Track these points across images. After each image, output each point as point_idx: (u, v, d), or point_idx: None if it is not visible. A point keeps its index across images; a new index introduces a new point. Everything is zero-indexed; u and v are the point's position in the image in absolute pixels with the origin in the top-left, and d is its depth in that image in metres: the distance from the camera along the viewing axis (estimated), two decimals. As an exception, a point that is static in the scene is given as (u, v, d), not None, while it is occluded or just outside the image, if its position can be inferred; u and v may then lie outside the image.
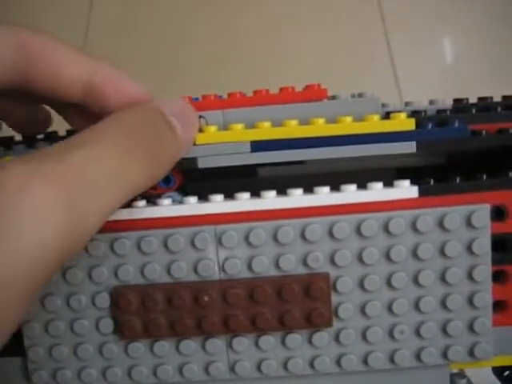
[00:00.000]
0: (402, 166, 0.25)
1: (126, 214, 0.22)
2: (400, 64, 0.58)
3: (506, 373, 0.26)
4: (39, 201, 0.15)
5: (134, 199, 0.22)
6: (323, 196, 0.22)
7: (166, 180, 0.23)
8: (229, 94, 0.23)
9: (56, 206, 0.16)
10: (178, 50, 0.65)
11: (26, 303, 0.16)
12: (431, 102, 0.24)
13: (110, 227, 0.22)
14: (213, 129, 0.22)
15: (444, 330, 0.22)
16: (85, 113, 0.22)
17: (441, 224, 0.22)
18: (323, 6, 0.64)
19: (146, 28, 0.68)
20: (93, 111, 0.22)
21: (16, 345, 0.23)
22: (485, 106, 0.23)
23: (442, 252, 0.22)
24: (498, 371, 0.26)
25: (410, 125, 0.22)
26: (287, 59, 0.62)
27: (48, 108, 0.25)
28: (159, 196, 0.23)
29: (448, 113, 0.23)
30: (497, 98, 0.24)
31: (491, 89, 0.26)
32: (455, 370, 0.25)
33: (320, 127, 0.22)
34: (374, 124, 0.22)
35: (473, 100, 0.24)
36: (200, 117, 0.23)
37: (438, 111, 0.23)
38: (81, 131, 0.18)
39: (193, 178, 0.24)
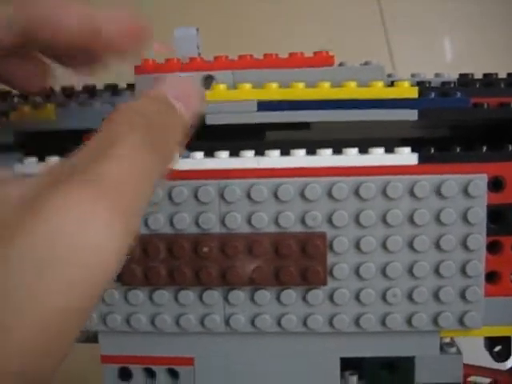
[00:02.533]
0: (405, 138, 0.25)
1: (133, 165, 0.23)
2: (400, 64, 0.59)
3: (497, 348, 0.26)
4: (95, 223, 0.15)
5: None
6: (325, 157, 0.23)
7: (175, 136, 0.24)
8: (239, 56, 0.24)
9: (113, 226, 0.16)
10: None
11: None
12: (437, 75, 0.25)
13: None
14: (222, 87, 0.23)
15: (436, 297, 0.23)
16: (89, 58, 0.22)
17: (438, 191, 0.22)
18: (323, 5, 0.65)
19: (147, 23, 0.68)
20: (97, 55, 0.22)
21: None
22: (488, 81, 0.24)
23: (437, 219, 0.22)
24: (490, 346, 0.26)
25: (412, 93, 0.22)
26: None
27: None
28: (167, 151, 0.24)
29: (452, 85, 0.23)
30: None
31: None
32: (447, 340, 0.25)
33: (325, 91, 0.23)
34: (378, 90, 0.23)
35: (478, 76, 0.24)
36: (209, 76, 0.24)
37: (443, 83, 0.24)
38: (97, 133, 0.18)
39: (202, 138, 0.25)
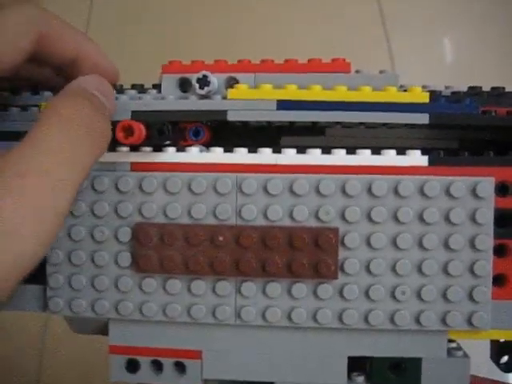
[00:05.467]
0: (416, 147, 0.26)
1: (155, 157, 0.24)
2: (400, 64, 0.60)
3: (504, 359, 0.26)
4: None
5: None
6: (339, 156, 0.24)
7: (196, 133, 0.25)
8: (262, 60, 0.25)
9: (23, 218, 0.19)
10: (178, 50, 0.67)
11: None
12: (447, 87, 0.26)
13: (139, 168, 0.24)
14: (244, 86, 0.24)
15: (444, 296, 0.23)
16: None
17: (447, 191, 0.23)
18: (323, 6, 0.67)
19: (147, 26, 0.70)
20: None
21: (37, 273, 0.25)
22: (497, 92, 0.25)
23: (446, 218, 0.23)
24: (496, 358, 0.26)
25: (424, 98, 0.24)
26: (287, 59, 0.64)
27: None
28: (188, 146, 0.25)
29: (462, 94, 0.25)
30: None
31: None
32: (454, 345, 0.25)
33: (341, 93, 0.24)
34: (391, 94, 0.24)
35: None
36: (232, 78, 0.25)
37: (453, 92, 0.25)
38: (27, 133, 0.20)
39: (220, 140, 0.26)
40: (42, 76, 0.28)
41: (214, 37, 0.67)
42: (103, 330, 0.26)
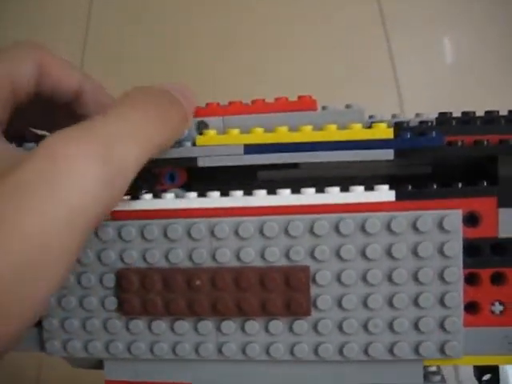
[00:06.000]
0: (385, 175, 0.26)
1: (133, 205, 0.25)
2: (400, 64, 0.59)
3: (486, 377, 0.27)
4: (78, 157, 0.19)
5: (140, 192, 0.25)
6: (308, 196, 0.24)
7: (171, 177, 0.26)
8: (230, 103, 0.26)
9: (94, 158, 0.19)
10: (178, 50, 0.68)
11: (69, 256, 0.19)
12: (417, 115, 0.26)
13: (118, 216, 0.25)
14: (212, 132, 0.25)
15: (416, 327, 0.24)
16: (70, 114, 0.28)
17: (414, 226, 0.23)
18: (323, 6, 0.66)
19: (147, 26, 0.70)
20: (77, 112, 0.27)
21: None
22: (466, 119, 0.25)
23: (415, 252, 0.24)
24: (479, 375, 0.27)
25: (388, 134, 0.24)
26: (286, 59, 0.63)
27: None
28: (165, 191, 0.26)
29: (430, 124, 0.25)
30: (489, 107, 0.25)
31: (492, 88, 0.27)
32: (433, 368, 0.26)
33: (307, 133, 0.24)
34: (356, 132, 0.24)
35: (459, 111, 0.26)
36: (202, 122, 0.26)
37: (421, 122, 0.25)
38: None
39: (198, 179, 0.27)
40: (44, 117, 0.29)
41: (214, 37, 0.67)
42: (100, 365, 0.27)
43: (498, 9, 0.61)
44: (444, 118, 0.26)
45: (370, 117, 0.26)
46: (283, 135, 0.24)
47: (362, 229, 0.24)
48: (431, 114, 0.26)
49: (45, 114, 0.28)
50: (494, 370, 0.26)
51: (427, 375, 0.25)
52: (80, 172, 0.19)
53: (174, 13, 0.71)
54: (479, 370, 0.27)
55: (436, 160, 0.25)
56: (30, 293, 0.18)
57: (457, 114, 0.26)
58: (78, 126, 0.20)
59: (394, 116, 0.26)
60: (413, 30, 0.62)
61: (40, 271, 0.18)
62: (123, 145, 0.20)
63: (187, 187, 0.27)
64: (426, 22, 0.62)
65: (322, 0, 0.67)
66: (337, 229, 0.24)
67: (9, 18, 0.77)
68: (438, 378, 0.25)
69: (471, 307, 0.24)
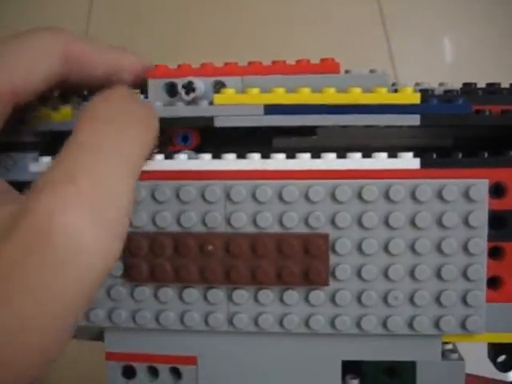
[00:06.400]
0: (407, 146, 0.26)
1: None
2: (400, 64, 0.59)
3: (501, 358, 0.26)
4: (71, 231, 0.17)
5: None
6: (328, 161, 0.23)
7: (185, 138, 0.25)
8: (249, 63, 0.25)
9: (88, 228, 0.17)
10: (178, 50, 0.67)
11: (76, 317, 0.18)
12: (441, 84, 0.25)
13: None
14: (230, 91, 0.24)
15: (437, 300, 0.23)
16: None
17: (439, 195, 0.23)
18: (323, 6, 0.66)
19: (147, 23, 0.69)
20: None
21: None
22: (491, 89, 0.24)
23: (439, 222, 0.23)
24: (494, 356, 0.26)
25: (415, 98, 0.23)
26: (286, 59, 0.63)
27: None
28: (177, 152, 0.25)
29: (455, 93, 0.24)
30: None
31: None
32: (450, 346, 0.25)
33: (330, 95, 0.23)
34: (382, 96, 0.23)
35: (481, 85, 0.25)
36: (219, 82, 0.25)
37: (446, 91, 0.24)
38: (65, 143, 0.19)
39: (211, 144, 0.26)
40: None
41: (214, 37, 0.66)
42: (100, 336, 0.26)
43: (497, 9, 0.62)
44: (469, 88, 0.25)
45: (393, 84, 0.26)
46: (306, 96, 0.23)
47: (386, 196, 0.23)
48: (455, 84, 0.25)
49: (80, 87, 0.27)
50: (510, 351, 0.26)
51: (444, 353, 0.24)
52: (82, 248, 0.17)
53: (174, 13, 0.70)
54: (494, 351, 0.26)
55: (461, 130, 0.24)
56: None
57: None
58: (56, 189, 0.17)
59: (417, 84, 0.25)
60: (413, 30, 0.62)
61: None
62: (112, 183, 0.18)
63: (200, 149, 0.26)
64: (425, 22, 0.63)
65: (322, 0, 0.67)
66: (359, 195, 0.23)
67: (9, 18, 0.75)
68: (455, 355, 0.24)
69: (493, 282, 0.24)
